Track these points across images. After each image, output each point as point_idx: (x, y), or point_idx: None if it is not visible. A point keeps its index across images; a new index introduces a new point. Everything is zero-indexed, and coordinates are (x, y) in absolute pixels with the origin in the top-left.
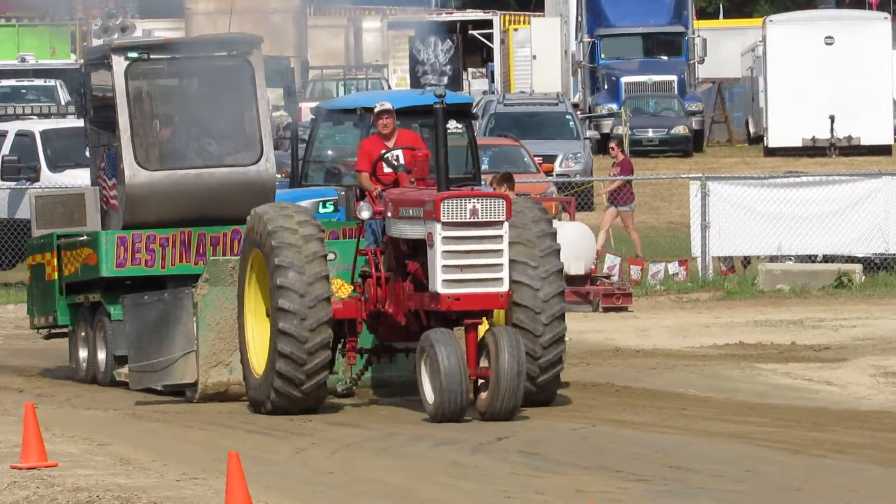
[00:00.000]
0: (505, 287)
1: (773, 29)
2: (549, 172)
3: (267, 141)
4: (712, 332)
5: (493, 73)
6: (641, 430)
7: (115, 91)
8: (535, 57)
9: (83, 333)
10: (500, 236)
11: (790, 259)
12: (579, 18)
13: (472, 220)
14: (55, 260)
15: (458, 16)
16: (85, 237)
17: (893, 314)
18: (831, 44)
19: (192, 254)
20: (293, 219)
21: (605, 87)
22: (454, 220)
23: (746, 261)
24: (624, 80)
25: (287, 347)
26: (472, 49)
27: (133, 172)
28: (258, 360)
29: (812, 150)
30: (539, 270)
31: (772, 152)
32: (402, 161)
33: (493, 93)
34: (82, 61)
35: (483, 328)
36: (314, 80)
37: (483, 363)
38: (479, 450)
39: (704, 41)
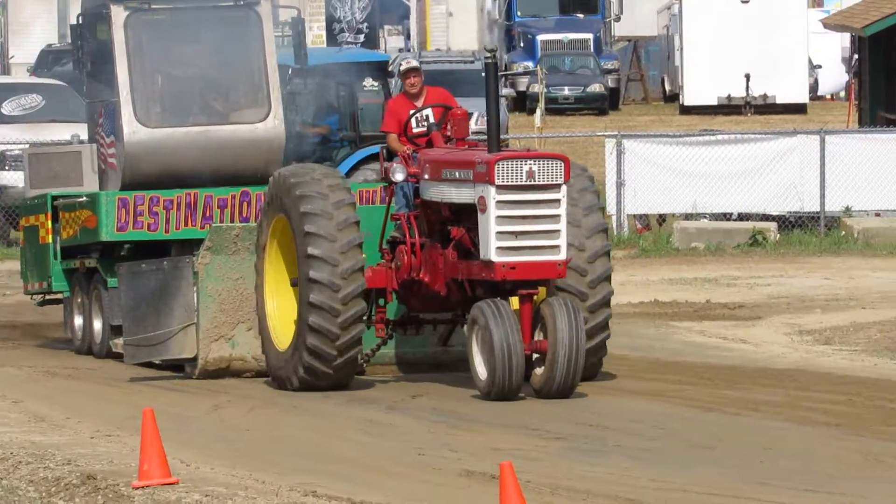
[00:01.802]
0: (563, 255)
1: None
2: None
3: (275, 97)
4: (627, 290)
5: (409, 30)
6: None
7: (114, 43)
8: (451, 14)
9: (79, 300)
10: (558, 200)
11: (705, 217)
12: None
13: (528, 182)
14: (49, 222)
15: None
16: (84, 198)
17: (808, 272)
18: (747, 2)
19: (199, 217)
20: (322, 182)
21: (521, 44)
22: (509, 183)
23: (661, 219)
24: (540, 37)
25: (319, 321)
26: (388, 6)
27: (133, 129)
28: (281, 333)
29: (727, 108)
30: (583, 229)
31: (687, 110)
32: (432, 120)
33: (409, 50)
34: (79, 11)
35: (539, 299)
36: None
37: (538, 336)
38: (394, 407)
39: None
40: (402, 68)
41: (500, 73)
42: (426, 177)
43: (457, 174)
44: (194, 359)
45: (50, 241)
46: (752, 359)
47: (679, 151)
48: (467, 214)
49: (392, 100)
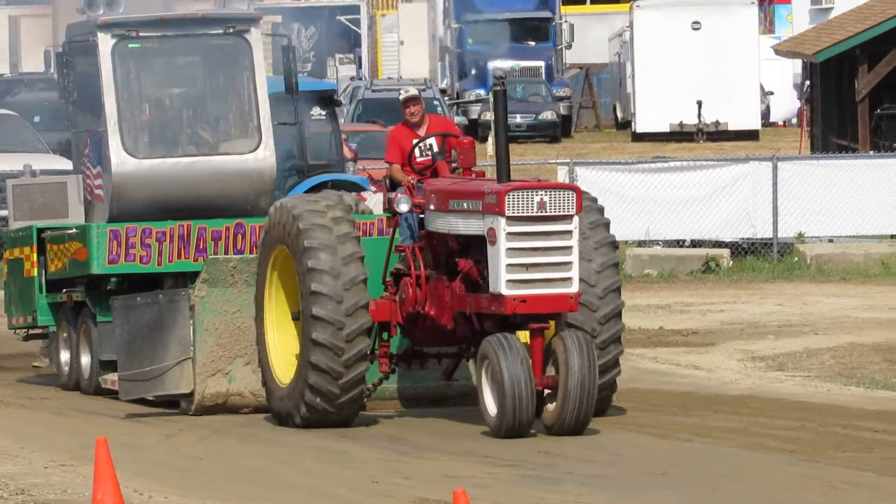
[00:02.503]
0: (575, 287)
1: (640, 14)
2: None
3: (266, 127)
4: None
5: (360, 58)
6: None
7: (101, 72)
8: (402, 42)
9: (65, 335)
10: (570, 231)
11: (658, 244)
12: (446, 4)
13: (539, 213)
14: (35, 255)
15: (326, 1)
16: (74, 230)
17: (760, 299)
18: (698, 29)
19: (192, 250)
20: (326, 215)
21: (473, 72)
22: (520, 214)
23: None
24: (491, 65)
25: (322, 359)
26: (339, 35)
27: (120, 160)
28: (283, 367)
29: (679, 135)
30: (594, 264)
31: (639, 137)
32: (435, 149)
33: (360, 78)
34: (64, 39)
35: (550, 333)
36: None
37: (550, 372)
38: (348, 435)
39: (572, 26)
40: (402, 97)
41: (451, 102)
42: (432, 207)
43: (465, 205)
44: (190, 394)
45: (35, 274)
46: (705, 385)
47: (631, 178)
48: (475, 246)
49: (394, 129)
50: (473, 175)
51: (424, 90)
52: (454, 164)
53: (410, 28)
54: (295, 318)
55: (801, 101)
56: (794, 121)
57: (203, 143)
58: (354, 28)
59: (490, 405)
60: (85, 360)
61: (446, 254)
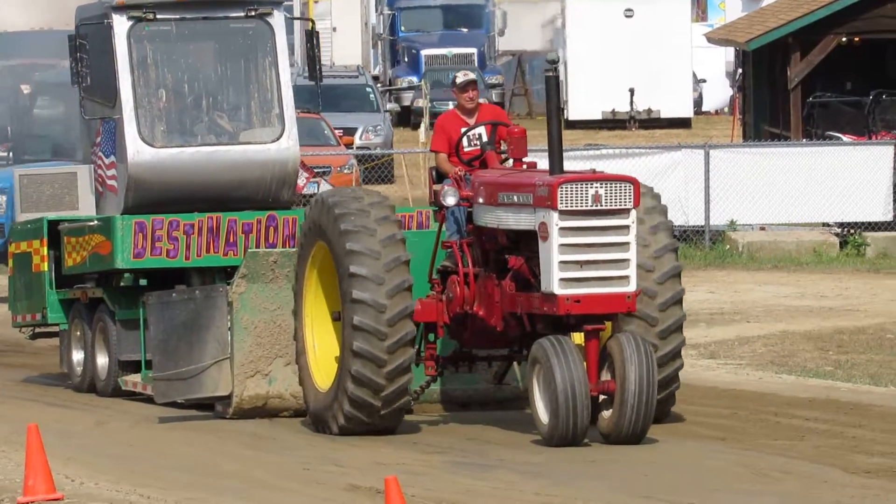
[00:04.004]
0: (632, 286)
1: (573, 2)
2: (349, 145)
3: (289, 115)
4: None
5: (293, 46)
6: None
7: (117, 56)
8: (335, 29)
9: (78, 333)
10: (627, 227)
11: None
12: None
13: (594, 207)
14: (45, 248)
15: None
16: (96, 222)
17: (692, 286)
18: (631, 16)
19: (221, 243)
20: (370, 215)
21: (406, 59)
22: (574, 208)
23: None
24: (424, 52)
25: (363, 371)
26: None
27: (137, 149)
28: (322, 370)
29: (612, 122)
30: (651, 248)
31: (572, 125)
32: (485, 138)
33: (293, 65)
34: (76, 21)
35: (605, 335)
36: None
37: (605, 376)
38: (278, 422)
39: (505, 13)
40: (459, 81)
41: (384, 89)
42: (480, 201)
43: (515, 198)
44: (228, 397)
45: (45, 269)
46: None
47: (567, 165)
48: (526, 242)
49: (442, 116)
50: (525, 166)
51: (357, 77)
52: (504, 155)
53: (343, 15)
54: (335, 318)
55: (734, 89)
56: (727, 109)
57: (223, 132)
58: (287, 15)
59: (542, 413)
60: (101, 360)
61: (495, 250)
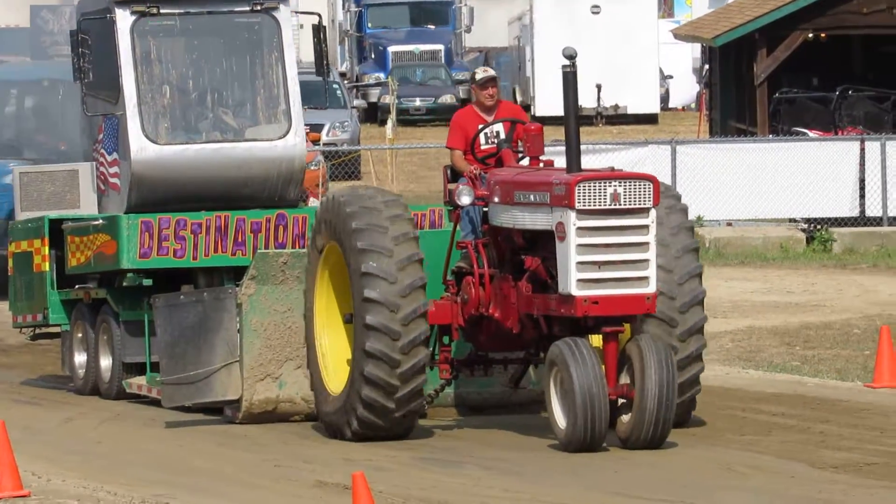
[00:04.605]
0: (652, 287)
1: None
2: (316, 141)
3: (296, 112)
4: None
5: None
6: None
7: (120, 51)
8: (301, 26)
9: (80, 335)
10: (647, 226)
11: None
12: None
13: (613, 206)
14: (46, 248)
15: None
16: (101, 221)
17: None
18: (598, 13)
19: (230, 243)
20: (382, 213)
21: (373, 56)
22: (592, 207)
23: None
24: (391, 49)
25: (376, 372)
26: None
27: (141, 146)
28: (334, 375)
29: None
30: (671, 249)
31: (539, 120)
32: (502, 136)
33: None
34: (77, 16)
35: (624, 338)
36: None
37: (624, 380)
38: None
39: (472, 10)
40: (479, 77)
41: (351, 85)
42: (496, 200)
43: (531, 197)
44: (238, 401)
45: (47, 268)
46: None
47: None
48: (543, 242)
49: (459, 112)
50: (542, 164)
51: None
52: (520, 153)
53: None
54: (347, 321)
55: (700, 85)
56: (693, 105)
57: (228, 129)
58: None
59: (559, 417)
60: (105, 362)
61: (511, 250)
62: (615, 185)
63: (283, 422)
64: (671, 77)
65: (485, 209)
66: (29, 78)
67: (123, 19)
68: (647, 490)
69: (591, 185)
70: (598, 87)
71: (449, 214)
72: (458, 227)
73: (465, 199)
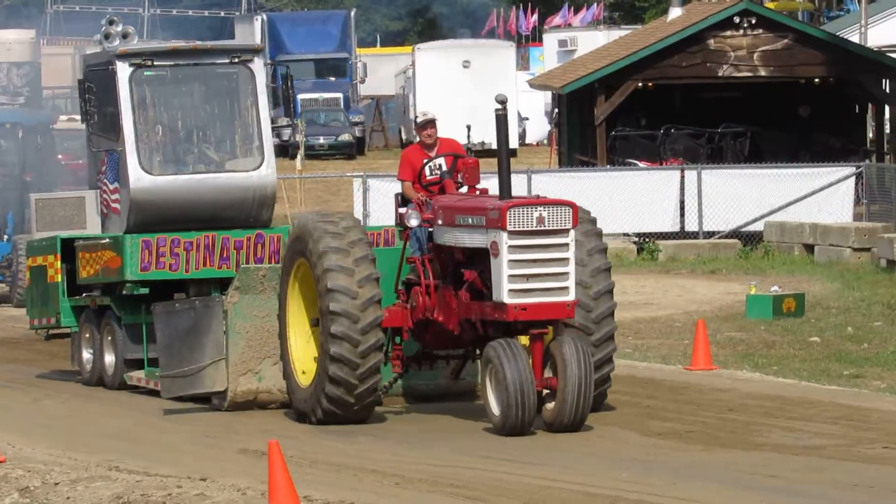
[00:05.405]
0: (572, 296)
1: (421, 55)
2: None
3: (268, 147)
4: None
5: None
6: None
7: (120, 97)
8: None
9: (87, 335)
10: (567, 244)
11: None
12: (263, 45)
13: (539, 228)
14: (59, 262)
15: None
16: (108, 240)
17: None
18: (468, 67)
19: (216, 258)
20: (345, 237)
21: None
22: (521, 229)
23: None
24: (300, 97)
25: (339, 372)
26: None
27: (138, 177)
28: (303, 370)
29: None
30: (588, 268)
31: None
32: (444, 168)
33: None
34: (83, 68)
35: (548, 338)
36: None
37: (548, 374)
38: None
39: (365, 65)
40: (420, 121)
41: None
42: (440, 222)
43: (470, 220)
44: (224, 392)
45: (59, 279)
46: None
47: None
48: (480, 258)
49: (407, 149)
50: (478, 192)
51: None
52: (460, 183)
53: None
54: (314, 324)
55: (551, 125)
56: (546, 141)
57: (211, 162)
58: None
59: (494, 406)
60: (109, 358)
61: (453, 265)
62: (540, 210)
63: (262, 409)
64: (527, 119)
65: (430, 230)
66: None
67: (123, 70)
68: (494, 451)
69: (521, 210)
70: (468, 126)
71: (400, 234)
72: (407, 245)
73: (413, 222)
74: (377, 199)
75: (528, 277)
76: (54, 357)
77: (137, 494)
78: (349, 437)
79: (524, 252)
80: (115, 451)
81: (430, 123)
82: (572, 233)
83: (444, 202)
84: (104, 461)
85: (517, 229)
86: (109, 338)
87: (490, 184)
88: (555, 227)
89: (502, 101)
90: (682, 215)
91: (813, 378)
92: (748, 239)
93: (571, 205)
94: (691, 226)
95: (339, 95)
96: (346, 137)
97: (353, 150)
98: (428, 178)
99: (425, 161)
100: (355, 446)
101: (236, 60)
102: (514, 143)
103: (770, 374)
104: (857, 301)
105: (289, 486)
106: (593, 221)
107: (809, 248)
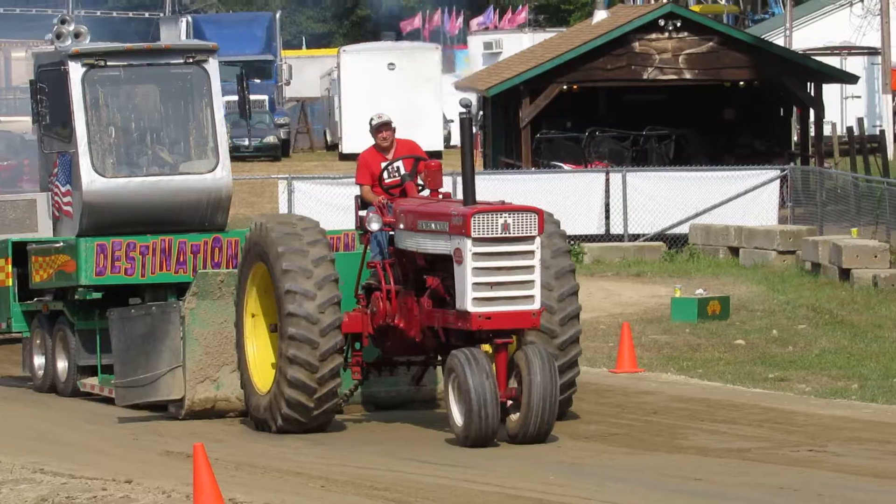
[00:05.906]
0: (537, 305)
1: (346, 57)
2: None
3: (223, 149)
4: None
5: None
6: None
7: (72, 98)
8: None
9: (38, 341)
10: (532, 252)
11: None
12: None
13: (504, 235)
14: (9, 266)
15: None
16: (61, 243)
17: None
18: (393, 69)
19: (173, 262)
20: (303, 238)
21: None
22: (485, 236)
23: None
24: (225, 98)
25: (298, 376)
26: None
27: (90, 179)
28: (261, 376)
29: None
30: (552, 270)
31: (345, 157)
32: (403, 171)
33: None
34: (35, 67)
35: (512, 347)
36: None
37: (512, 384)
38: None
39: (290, 67)
40: (374, 123)
41: None
42: (402, 227)
43: (433, 226)
44: (181, 400)
45: (9, 283)
46: None
47: (340, 190)
48: (442, 264)
49: (363, 153)
50: (441, 196)
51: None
52: (420, 185)
53: None
54: (272, 330)
55: (477, 127)
56: None
57: (165, 164)
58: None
59: (457, 417)
60: (61, 364)
61: (415, 270)
62: (505, 217)
63: (220, 418)
64: (453, 121)
65: (391, 234)
66: None
67: (76, 70)
68: (427, 456)
69: (485, 216)
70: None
71: (360, 238)
72: (367, 249)
73: (374, 226)
74: (302, 201)
75: (493, 286)
76: (1, 363)
77: (63, 497)
78: (276, 441)
79: (489, 259)
80: (40, 453)
81: (386, 126)
82: (538, 240)
83: (407, 206)
84: (29, 463)
85: (482, 236)
86: (62, 344)
87: None
88: (520, 234)
89: (466, 106)
90: (608, 218)
91: (738, 381)
92: (673, 242)
93: (538, 211)
94: (616, 228)
95: (265, 97)
96: (271, 139)
97: (279, 152)
98: (387, 180)
99: (384, 164)
100: (280, 449)
101: (191, 60)
102: (439, 145)
103: (695, 376)
104: (782, 304)
105: (214, 488)
106: (557, 223)
107: (734, 251)
